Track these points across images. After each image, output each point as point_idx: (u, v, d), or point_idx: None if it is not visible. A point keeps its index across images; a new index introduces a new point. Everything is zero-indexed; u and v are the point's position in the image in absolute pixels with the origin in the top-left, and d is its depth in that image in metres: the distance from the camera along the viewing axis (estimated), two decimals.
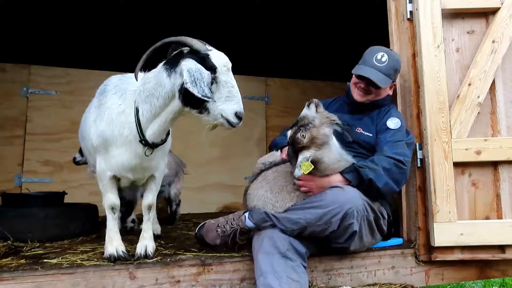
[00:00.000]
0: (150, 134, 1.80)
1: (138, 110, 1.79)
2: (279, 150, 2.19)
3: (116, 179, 1.96)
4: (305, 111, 1.90)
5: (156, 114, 1.77)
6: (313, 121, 1.83)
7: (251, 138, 4.73)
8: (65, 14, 4.19)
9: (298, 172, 1.79)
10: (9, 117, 3.98)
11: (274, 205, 1.94)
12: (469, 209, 2.17)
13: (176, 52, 1.77)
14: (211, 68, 1.65)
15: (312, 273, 2.01)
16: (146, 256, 1.93)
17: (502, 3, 2.23)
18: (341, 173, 1.94)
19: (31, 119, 4.04)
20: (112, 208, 1.97)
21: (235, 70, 1.74)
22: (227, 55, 1.73)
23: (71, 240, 2.47)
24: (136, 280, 1.80)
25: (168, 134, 1.94)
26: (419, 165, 2.24)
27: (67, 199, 2.93)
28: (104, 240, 1.99)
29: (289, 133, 1.88)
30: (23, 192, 3.71)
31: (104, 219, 2.03)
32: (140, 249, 1.95)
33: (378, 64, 2.15)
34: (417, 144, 2.24)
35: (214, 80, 1.66)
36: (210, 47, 1.72)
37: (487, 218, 2.17)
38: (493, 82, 2.22)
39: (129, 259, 1.90)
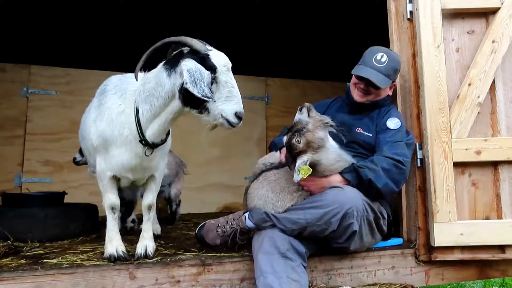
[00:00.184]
0: (150, 134, 1.80)
1: (138, 110, 1.79)
2: (279, 151, 2.19)
3: (116, 179, 1.96)
4: (298, 116, 1.91)
5: (156, 114, 1.77)
6: (307, 125, 1.84)
7: (251, 138, 4.73)
8: (65, 14, 4.19)
9: (297, 177, 1.79)
10: (9, 117, 3.98)
11: (275, 204, 1.94)
12: (469, 209, 2.17)
13: (176, 52, 1.77)
14: (211, 68, 1.65)
15: (312, 273, 2.01)
16: (146, 256, 1.93)
17: (502, 3, 2.23)
18: (341, 173, 1.94)
19: (31, 119, 4.04)
20: (112, 208, 1.97)
21: (235, 70, 1.74)
22: (227, 55, 1.73)
23: (71, 240, 2.47)
24: (136, 280, 1.80)
25: (168, 134, 1.94)
26: (419, 165, 2.24)
27: (67, 199, 2.93)
28: (104, 240, 1.99)
29: (285, 139, 1.89)
30: (23, 192, 3.71)
31: (104, 219, 2.03)
32: (140, 249, 1.95)
33: (378, 65, 2.15)
34: (417, 144, 2.24)
35: (214, 80, 1.66)
36: (210, 47, 1.72)
37: (487, 218, 2.17)
38: (493, 82, 2.22)
39: (129, 259, 1.90)
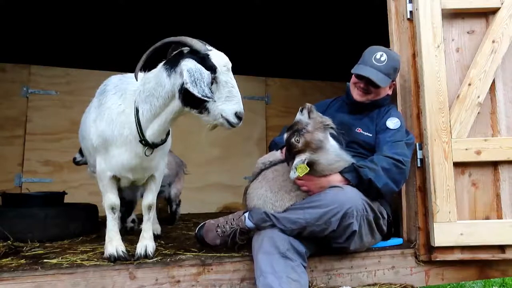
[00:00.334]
0: (150, 134, 1.80)
1: (138, 110, 1.78)
2: (279, 150, 2.19)
3: (116, 179, 1.96)
4: (299, 116, 1.92)
5: (156, 114, 1.77)
6: (307, 126, 1.85)
7: (251, 138, 4.73)
8: (65, 14, 4.19)
9: (293, 175, 1.81)
10: (9, 117, 3.98)
11: (274, 204, 1.95)
12: (469, 209, 2.17)
13: (176, 52, 1.77)
14: (211, 68, 1.65)
15: (312, 273, 2.01)
16: (146, 256, 1.93)
17: (502, 3, 2.23)
18: (341, 173, 1.94)
19: (31, 119, 4.04)
20: (112, 208, 1.97)
21: (235, 70, 1.74)
22: (227, 55, 1.73)
23: (71, 240, 2.47)
24: (136, 280, 1.80)
25: (168, 134, 1.94)
26: (419, 165, 2.24)
27: (67, 199, 2.93)
28: (104, 240, 1.99)
29: (285, 136, 1.90)
30: (23, 192, 3.71)
31: (104, 219, 2.03)
32: (140, 249, 1.95)
33: (377, 64, 2.15)
34: (417, 144, 2.24)
35: (214, 80, 1.65)
36: (210, 47, 1.72)
37: (487, 218, 2.17)
38: (493, 82, 2.22)
39: (129, 259, 1.90)
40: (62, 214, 2.52)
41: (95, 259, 1.93)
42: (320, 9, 4.32)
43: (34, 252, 2.12)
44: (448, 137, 2.15)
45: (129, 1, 4.06)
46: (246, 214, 1.99)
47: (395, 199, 2.37)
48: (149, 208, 2.07)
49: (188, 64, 1.62)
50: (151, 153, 1.84)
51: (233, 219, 2.03)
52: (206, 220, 2.17)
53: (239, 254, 2.00)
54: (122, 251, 1.91)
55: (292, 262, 1.78)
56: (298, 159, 1.81)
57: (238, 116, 1.68)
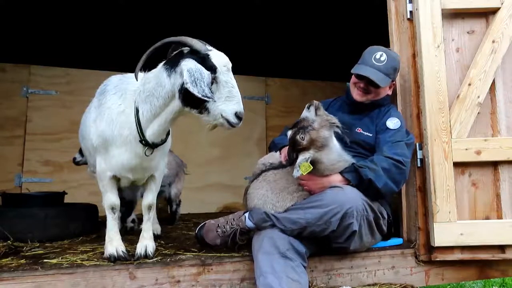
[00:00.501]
0: (150, 134, 1.80)
1: (138, 110, 1.78)
2: (278, 151, 2.19)
3: (116, 179, 1.96)
4: (305, 113, 1.91)
5: (156, 114, 1.77)
6: (313, 123, 1.85)
7: (251, 138, 4.73)
8: (65, 14, 4.19)
9: (296, 173, 1.81)
10: (9, 117, 3.98)
11: (275, 204, 1.95)
12: (469, 209, 2.17)
13: (176, 52, 1.77)
14: (211, 68, 1.65)
15: (312, 273, 2.01)
16: (146, 256, 1.93)
17: (502, 3, 2.23)
18: (341, 173, 1.95)
19: (31, 119, 4.04)
20: (112, 208, 1.97)
21: (235, 70, 1.74)
22: (227, 55, 1.73)
23: (71, 240, 2.47)
24: (136, 280, 1.80)
25: (168, 134, 1.94)
26: (419, 165, 2.24)
27: (67, 199, 2.93)
28: (104, 240, 1.99)
29: (289, 133, 1.89)
30: (23, 192, 3.71)
31: (104, 219, 2.03)
32: (140, 249, 1.95)
33: (377, 63, 2.15)
34: (417, 144, 2.24)
35: (214, 80, 1.66)
36: (210, 47, 1.72)
37: (487, 218, 2.17)
38: (493, 82, 2.22)
39: (129, 259, 1.90)
40: (62, 214, 2.52)
41: (95, 259, 1.94)
42: (320, 9, 4.32)
43: (34, 252, 2.12)
44: (448, 137, 2.15)
45: (129, 1, 4.06)
46: (246, 214, 1.99)
47: (395, 199, 2.37)
48: (149, 208, 2.07)
49: (188, 64, 1.62)
50: (151, 153, 1.84)
51: (233, 219, 2.03)
52: (206, 220, 2.17)
53: (239, 254, 2.00)
54: (122, 251, 1.91)
55: (292, 262, 1.78)
56: (302, 157, 1.81)
57: (238, 116, 1.68)
